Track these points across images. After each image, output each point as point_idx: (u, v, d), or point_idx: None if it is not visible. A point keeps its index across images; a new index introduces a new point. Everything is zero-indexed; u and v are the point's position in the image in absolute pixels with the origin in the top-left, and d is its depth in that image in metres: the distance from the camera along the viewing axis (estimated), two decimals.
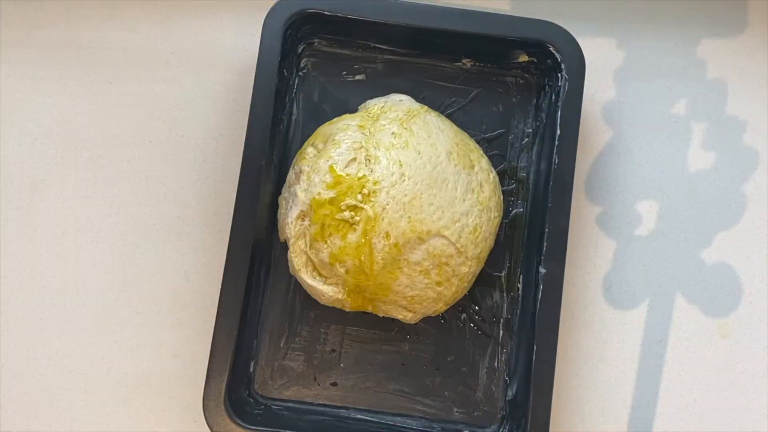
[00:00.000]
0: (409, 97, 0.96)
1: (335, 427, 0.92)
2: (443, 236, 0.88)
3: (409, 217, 0.86)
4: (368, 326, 0.95)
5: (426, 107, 0.95)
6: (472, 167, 0.92)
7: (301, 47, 0.99)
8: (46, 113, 1.00)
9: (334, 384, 0.95)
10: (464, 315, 0.96)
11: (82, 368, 0.96)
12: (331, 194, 0.87)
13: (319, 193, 0.88)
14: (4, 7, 1.01)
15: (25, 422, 0.95)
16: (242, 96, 1.00)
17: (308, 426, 0.91)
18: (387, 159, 0.87)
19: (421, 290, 0.89)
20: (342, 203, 0.86)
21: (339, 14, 0.94)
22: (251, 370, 0.94)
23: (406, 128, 0.90)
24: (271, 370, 0.95)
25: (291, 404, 0.94)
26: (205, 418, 0.88)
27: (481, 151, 0.95)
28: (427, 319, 0.95)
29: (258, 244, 0.92)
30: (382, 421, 0.93)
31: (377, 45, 0.99)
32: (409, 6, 0.94)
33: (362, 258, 0.87)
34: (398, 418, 0.94)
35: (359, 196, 0.86)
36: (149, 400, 0.96)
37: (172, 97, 1.01)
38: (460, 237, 0.89)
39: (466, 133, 0.96)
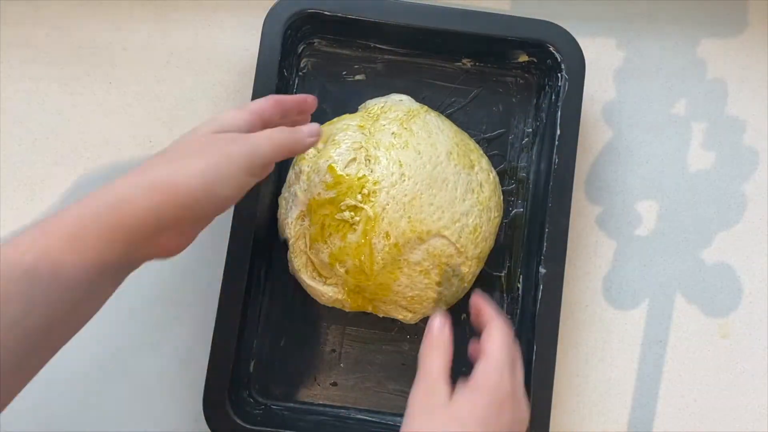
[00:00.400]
0: (409, 97, 0.96)
1: (335, 427, 0.92)
2: (443, 236, 0.88)
3: (409, 217, 0.86)
4: (368, 326, 0.95)
5: (426, 107, 0.95)
6: (472, 167, 0.92)
7: (301, 47, 0.99)
8: (46, 113, 1.00)
9: (334, 384, 0.95)
10: (464, 315, 0.95)
11: (82, 368, 0.95)
12: (331, 194, 0.87)
13: (318, 194, 0.88)
14: (4, 7, 1.01)
15: (25, 422, 0.95)
16: (242, 96, 1.00)
17: (308, 426, 0.91)
18: (387, 159, 0.87)
19: (422, 290, 0.89)
20: (342, 203, 0.86)
21: (339, 14, 0.94)
22: (251, 370, 0.94)
23: (406, 128, 0.90)
24: (271, 370, 0.95)
25: (291, 404, 0.94)
26: (205, 418, 0.88)
27: (481, 151, 0.95)
28: (427, 319, 0.95)
29: (258, 244, 0.92)
30: (382, 421, 0.94)
31: (377, 45, 0.99)
32: (409, 6, 0.94)
33: (362, 258, 0.87)
34: (398, 418, 0.93)
35: (359, 196, 0.86)
36: (149, 400, 0.96)
37: (172, 97, 1.01)
38: (460, 237, 0.89)
39: (465, 133, 0.96)
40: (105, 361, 0.96)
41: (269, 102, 0.76)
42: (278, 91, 0.93)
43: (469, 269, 0.91)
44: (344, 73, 0.99)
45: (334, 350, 0.95)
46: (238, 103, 1.00)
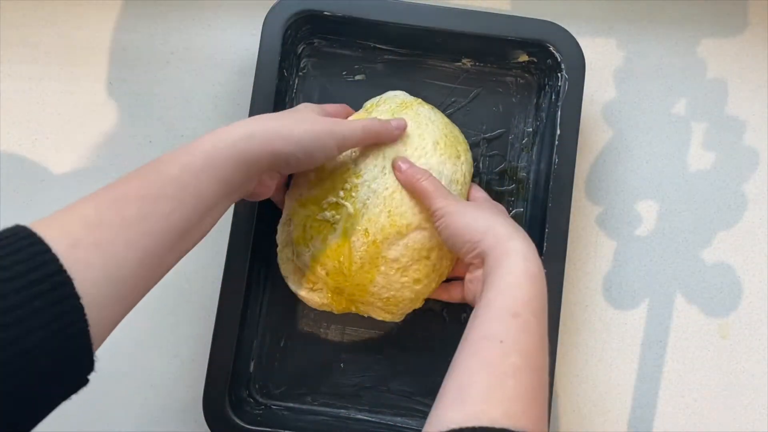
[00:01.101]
0: (404, 92, 0.96)
1: (335, 428, 0.92)
2: (424, 228, 0.86)
3: (389, 211, 0.85)
4: (368, 326, 0.95)
5: (420, 100, 0.94)
6: (458, 157, 0.91)
7: (301, 47, 0.99)
8: (46, 113, 1.00)
9: (334, 384, 0.95)
10: (464, 315, 0.95)
11: None
12: (314, 192, 0.87)
13: (301, 194, 0.88)
14: (4, 7, 1.01)
15: None
16: (242, 96, 0.99)
17: (308, 426, 0.91)
18: (371, 150, 0.87)
19: (398, 290, 0.88)
20: (324, 201, 0.86)
21: (339, 14, 0.94)
22: (251, 370, 0.94)
23: (396, 118, 0.89)
24: (271, 370, 0.95)
25: (291, 404, 0.94)
26: (205, 419, 0.88)
27: (467, 146, 0.94)
28: (427, 320, 0.95)
29: (258, 245, 0.92)
30: (382, 422, 0.94)
31: (377, 45, 0.99)
32: (409, 6, 0.94)
33: (341, 259, 0.86)
34: (398, 419, 0.94)
35: (341, 193, 0.86)
36: (149, 400, 0.96)
37: (172, 97, 1.01)
38: None
39: (456, 128, 0.95)
40: (105, 361, 0.96)
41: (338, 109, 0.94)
42: (278, 92, 0.93)
43: (451, 262, 0.90)
44: (344, 73, 0.99)
45: (334, 350, 0.95)
46: (238, 103, 1.01)
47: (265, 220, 0.93)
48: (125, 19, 1.02)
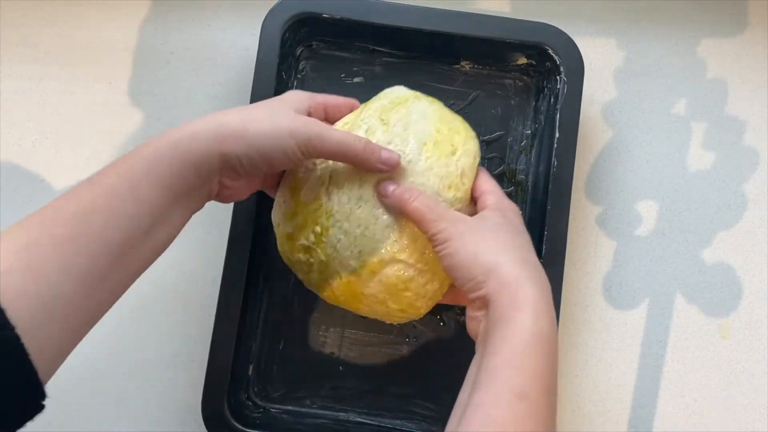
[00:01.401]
0: (402, 87, 0.90)
1: (334, 431, 0.92)
2: (398, 261, 0.80)
3: (360, 251, 0.80)
4: (367, 329, 0.95)
5: (417, 93, 0.88)
6: (453, 153, 0.82)
7: (300, 50, 0.98)
8: (46, 113, 1.00)
9: (333, 387, 0.95)
10: (462, 318, 0.95)
11: (83, 368, 0.96)
12: (289, 229, 0.83)
13: (278, 224, 0.85)
14: (4, 7, 1.01)
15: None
16: (242, 96, 0.99)
17: (307, 429, 0.92)
18: (346, 177, 0.81)
19: (384, 316, 0.85)
20: (298, 242, 0.83)
21: (337, 17, 0.94)
22: (250, 373, 0.95)
23: (383, 120, 0.83)
24: (270, 373, 0.95)
25: (290, 407, 0.94)
26: (204, 423, 0.88)
27: (472, 134, 0.88)
28: (426, 321, 0.95)
29: (257, 248, 0.92)
30: (382, 425, 0.94)
31: (376, 48, 0.99)
32: (408, 9, 0.94)
33: (326, 293, 0.85)
34: (398, 422, 0.94)
35: (312, 236, 0.81)
36: (149, 400, 0.97)
37: (172, 97, 1.01)
38: (425, 252, 0.81)
39: (458, 117, 0.88)
40: (105, 361, 0.96)
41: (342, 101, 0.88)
42: (277, 94, 0.92)
43: (441, 284, 0.84)
44: (343, 75, 0.99)
45: (333, 353, 0.95)
46: (238, 103, 1.00)
47: (265, 221, 0.93)
48: (125, 19, 1.02)
